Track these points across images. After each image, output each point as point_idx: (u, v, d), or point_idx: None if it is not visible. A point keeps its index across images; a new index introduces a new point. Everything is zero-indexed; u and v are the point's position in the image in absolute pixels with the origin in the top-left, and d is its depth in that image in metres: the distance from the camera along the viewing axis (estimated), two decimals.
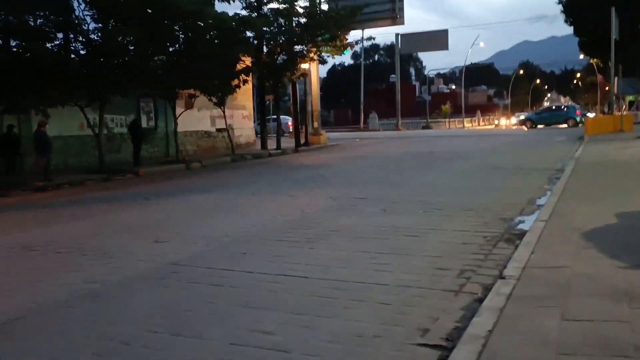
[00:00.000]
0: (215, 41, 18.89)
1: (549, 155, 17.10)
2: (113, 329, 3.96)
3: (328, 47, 25.68)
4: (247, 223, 7.92)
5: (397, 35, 48.43)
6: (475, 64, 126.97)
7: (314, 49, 25.51)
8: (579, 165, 13.34)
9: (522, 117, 41.08)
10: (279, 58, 24.84)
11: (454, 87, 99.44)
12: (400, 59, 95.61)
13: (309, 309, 4.22)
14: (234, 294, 4.68)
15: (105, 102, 16.45)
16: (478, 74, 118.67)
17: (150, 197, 11.55)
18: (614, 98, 33.21)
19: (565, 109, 43.53)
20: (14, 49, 14.38)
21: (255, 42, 23.75)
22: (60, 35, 14.95)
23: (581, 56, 56.95)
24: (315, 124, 29.96)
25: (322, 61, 26.46)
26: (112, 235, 7.52)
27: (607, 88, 44.64)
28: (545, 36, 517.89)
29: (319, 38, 24.87)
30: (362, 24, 31.92)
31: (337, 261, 5.59)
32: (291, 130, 44.68)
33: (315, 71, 29.65)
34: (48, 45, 14.90)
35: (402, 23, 38.23)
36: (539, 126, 40.34)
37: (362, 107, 52.63)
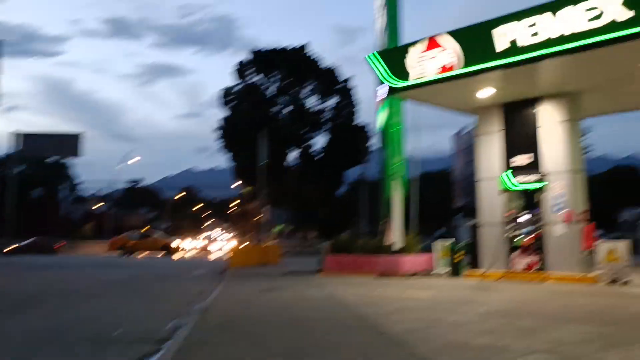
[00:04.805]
0: None
1: (165, 302, 11.25)
2: None
3: None
4: None
5: (17, 134, 38.63)
6: (136, 186, 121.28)
7: None
8: (200, 330, 7.68)
9: None
10: None
11: (100, 205, 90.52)
12: (52, 173, 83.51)
13: None
14: None
15: None
16: (141, 197, 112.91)
17: None
18: (262, 228, 30.96)
19: None
20: None
21: None
22: None
23: (235, 184, 56.75)
24: None
25: None
26: None
27: (256, 218, 43.56)
28: (210, 166, 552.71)
29: None
30: None
31: None
32: None
33: None
34: None
35: None
36: None
37: None
